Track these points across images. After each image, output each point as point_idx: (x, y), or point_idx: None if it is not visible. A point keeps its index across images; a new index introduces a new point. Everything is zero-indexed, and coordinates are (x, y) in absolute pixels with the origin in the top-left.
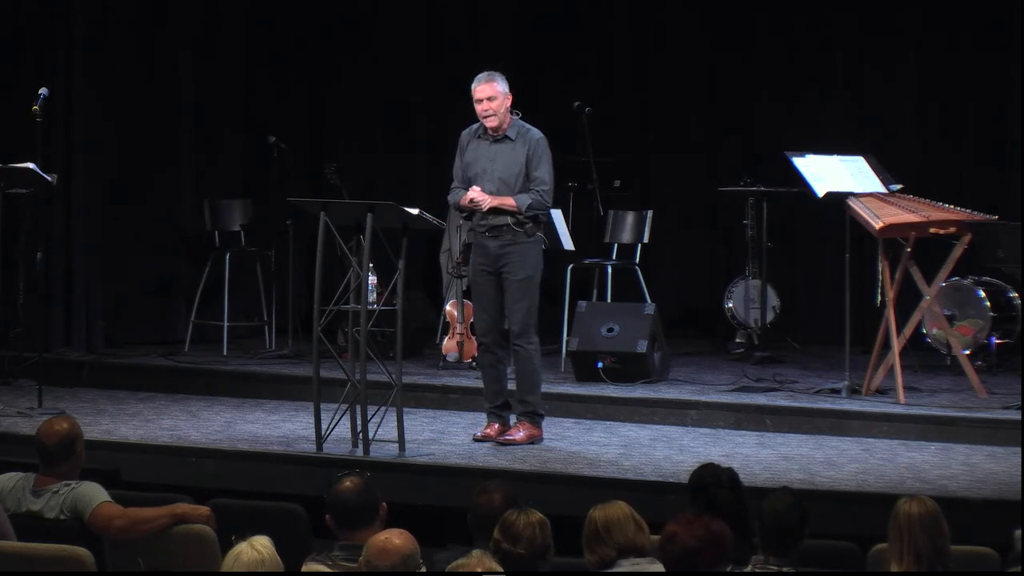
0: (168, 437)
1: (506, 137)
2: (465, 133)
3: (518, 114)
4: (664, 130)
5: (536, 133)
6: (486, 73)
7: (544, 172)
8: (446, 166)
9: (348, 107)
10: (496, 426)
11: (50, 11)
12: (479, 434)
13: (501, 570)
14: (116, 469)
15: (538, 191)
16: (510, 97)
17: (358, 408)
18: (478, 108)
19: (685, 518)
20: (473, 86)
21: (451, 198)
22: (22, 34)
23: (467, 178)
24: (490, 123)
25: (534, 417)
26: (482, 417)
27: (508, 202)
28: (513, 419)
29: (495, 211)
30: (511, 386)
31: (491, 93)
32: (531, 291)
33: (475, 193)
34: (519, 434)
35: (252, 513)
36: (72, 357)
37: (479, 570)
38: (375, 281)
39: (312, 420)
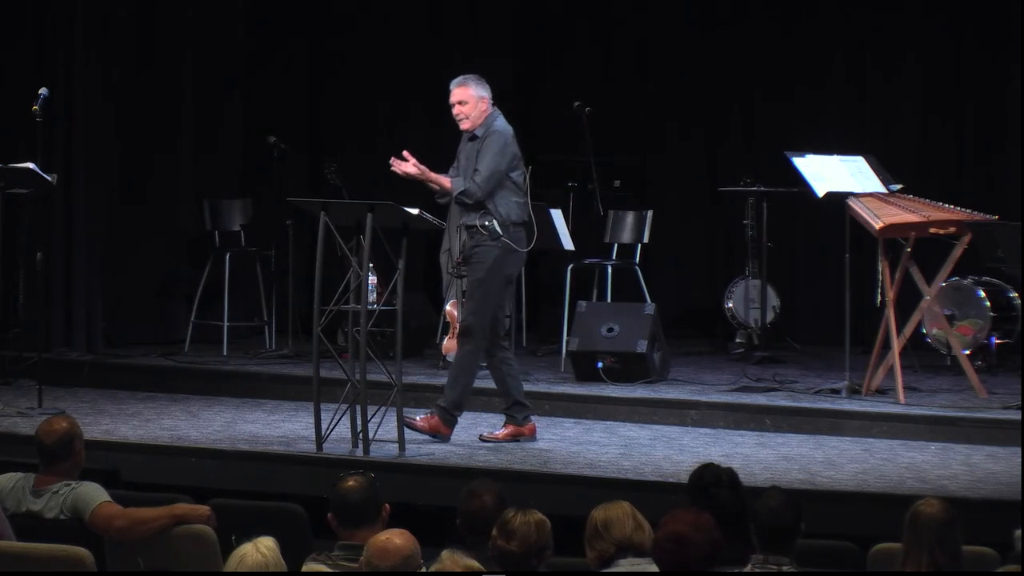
0: (168, 437)
1: (475, 135)
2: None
3: (498, 112)
4: (664, 130)
5: (498, 126)
6: (460, 77)
7: (483, 163)
8: (445, 166)
9: (348, 106)
10: (511, 427)
11: (50, 11)
12: (486, 434)
13: (478, 565)
14: (116, 469)
15: (473, 180)
16: (485, 100)
17: (358, 408)
18: (453, 112)
19: (676, 511)
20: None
21: None
22: (22, 33)
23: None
24: (463, 125)
25: (444, 413)
26: (481, 417)
27: (443, 181)
28: (524, 419)
29: (462, 204)
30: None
31: (461, 97)
32: (484, 293)
33: (395, 164)
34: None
35: (252, 513)
36: (72, 357)
37: (456, 570)
38: (375, 281)
39: (312, 420)
